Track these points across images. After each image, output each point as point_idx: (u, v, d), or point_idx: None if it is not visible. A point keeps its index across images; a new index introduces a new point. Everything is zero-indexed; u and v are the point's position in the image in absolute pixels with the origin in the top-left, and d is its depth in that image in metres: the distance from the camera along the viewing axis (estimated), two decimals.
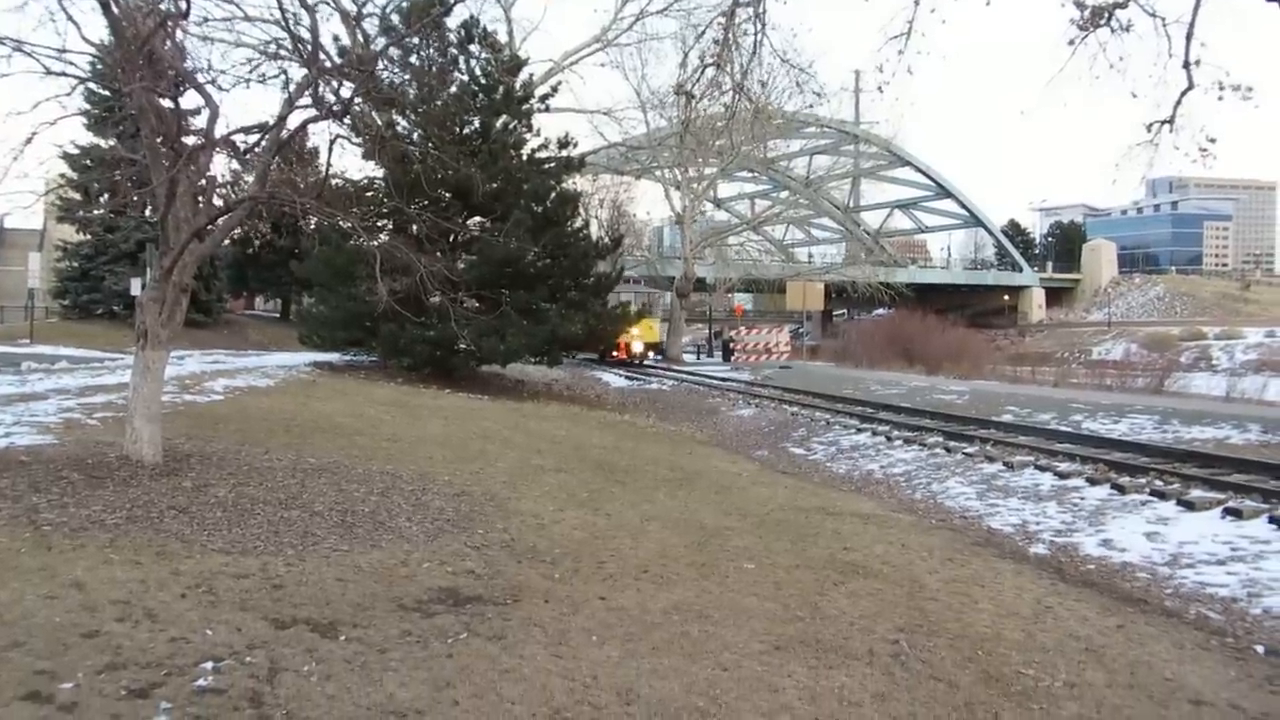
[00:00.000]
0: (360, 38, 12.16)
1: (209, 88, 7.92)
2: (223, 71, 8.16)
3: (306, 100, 8.10)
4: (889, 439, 15.32)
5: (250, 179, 8.78)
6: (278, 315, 44.23)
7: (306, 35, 8.13)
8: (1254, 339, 54.42)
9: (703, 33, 16.79)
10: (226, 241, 21.27)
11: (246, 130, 8.13)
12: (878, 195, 74.69)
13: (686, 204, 43.46)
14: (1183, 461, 11.47)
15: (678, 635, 5.11)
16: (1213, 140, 14.89)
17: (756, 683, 4.55)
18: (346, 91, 8.57)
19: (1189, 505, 9.45)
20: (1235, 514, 8.98)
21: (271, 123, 7.96)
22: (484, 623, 4.99)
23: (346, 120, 10.05)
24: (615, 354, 35.33)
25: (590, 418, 17.42)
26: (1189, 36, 14.63)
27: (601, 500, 8.73)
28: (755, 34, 15.06)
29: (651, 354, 36.95)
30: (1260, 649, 6.03)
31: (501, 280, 19.59)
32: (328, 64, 8.56)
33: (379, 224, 18.67)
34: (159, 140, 7.81)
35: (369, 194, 18.71)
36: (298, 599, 5.02)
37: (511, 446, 11.42)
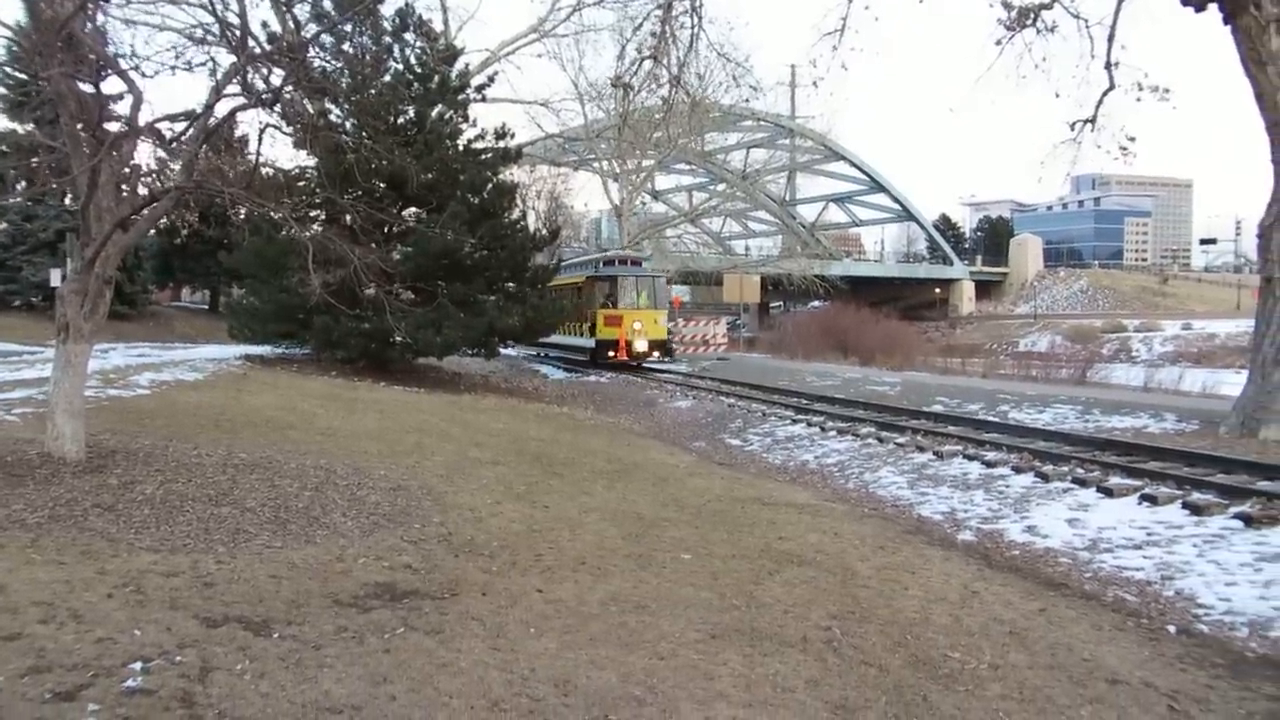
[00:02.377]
0: (291, 24, 11.91)
1: (133, 74, 7.70)
2: (147, 58, 7.93)
3: (235, 88, 7.92)
4: (823, 430, 15.57)
5: (176, 167, 8.56)
6: (206, 307, 43.08)
7: (235, 20, 7.95)
8: (1171, 331, 56.49)
9: (640, 25, 16.86)
10: (152, 231, 20.67)
11: (173, 118, 7.91)
12: (813, 189, 75.70)
13: (624, 196, 43.46)
14: (1103, 450, 11.89)
15: (615, 626, 5.16)
16: (1132, 139, 15.48)
17: (693, 671, 4.63)
18: (277, 79, 8.41)
19: (1108, 492, 9.81)
20: (1151, 500, 9.35)
21: (199, 110, 7.76)
22: (421, 617, 4.98)
23: (277, 109, 9.84)
24: (612, 354, 28.26)
25: (528, 410, 17.37)
26: (1110, 38, 15.16)
27: (539, 493, 8.74)
28: (692, 28, 15.19)
29: (657, 354, 28.92)
30: (1172, 629, 6.31)
31: (438, 272, 19.37)
32: (257, 51, 8.38)
33: (312, 215, 18.30)
34: (79, 127, 7.57)
35: (301, 184, 18.28)
36: (230, 597, 4.95)
37: (448, 440, 11.34)
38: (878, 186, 77.42)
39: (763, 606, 5.76)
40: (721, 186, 59.77)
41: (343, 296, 13.52)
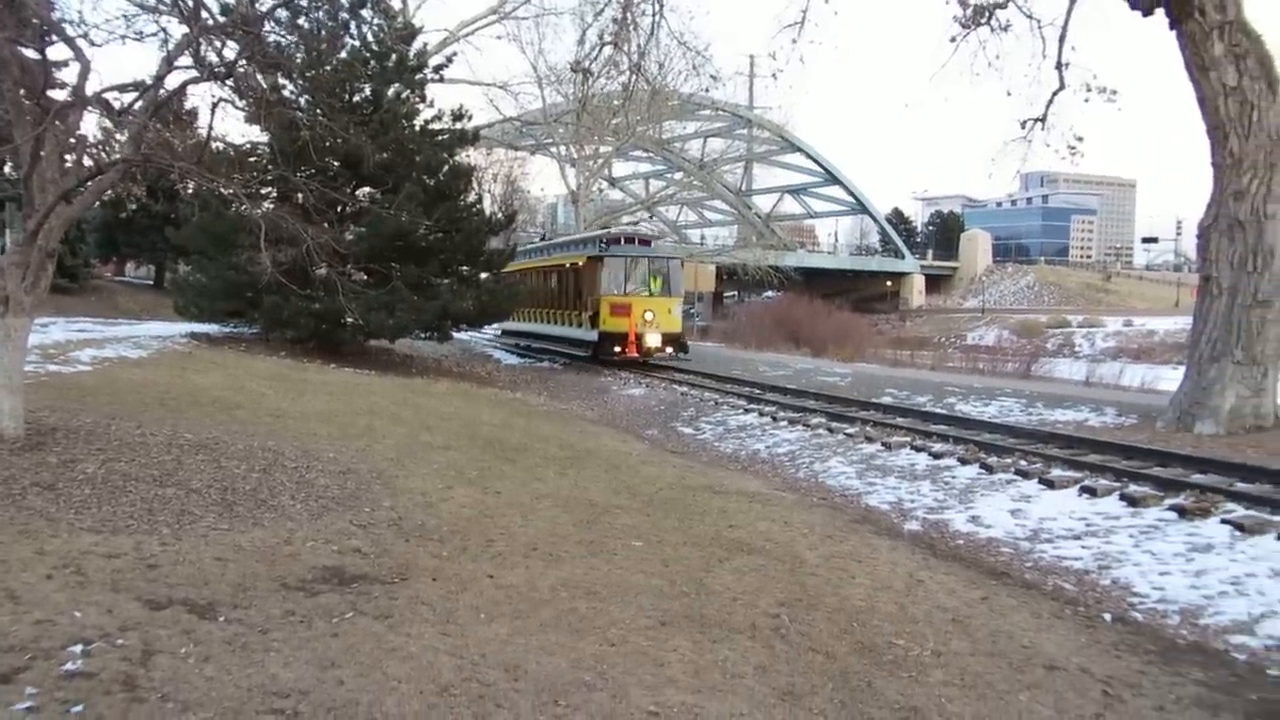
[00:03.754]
0: None
1: (80, 42, 7.47)
2: (95, 25, 7.70)
3: (187, 60, 7.74)
4: (775, 419, 15.71)
5: (124, 139, 8.33)
6: (151, 283, 42.03)
7: None
8: (1113, 327, 57.92)
9: (601, 11, 16.83)
10: (97, 204, 20.13)
11: (121, 88, 7.71)
12: (769, 180, 76.12)
13: (581, 182, 43.28)
14: (1045, 443, 12.17)
15: (566, 612, 5.18)
16: (1080, 139, 15.80)
17: (642, 657, 4.66)
18: (230, 52, 8.22)
19: (1050, 484, 10.05)
20: (1090, 492, 9.61)
21: (149, 82, 7.57)
22: (370, 601, 4.95)
23: (230, 82, 9.63)
24: (619, 350, 24.05)
25: (481, 395, 17.28)
26: (1062, 39, 15.44)
27: (491, 478, 8.71)
28: (653, 15, 15.21)
29: (670, 349, 24.58)
30: (1108, 617, 6.51)
31: (392, 254, 19.15)
32: (210, 22, 8.19)
33: (263, 192, 17.96)
34: (23, 94, 7.33)
35: (253, 160, 17.96)
36: (174, 579, 4.87)
37: (400, 423, 11.25)
38: (833, 179, 78.11)
39: (712, 594, 5.82)
40: (679, 175, 59.92)
41: (294, 276, 13.30)
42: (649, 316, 24.26)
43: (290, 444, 8.72)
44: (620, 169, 61.50)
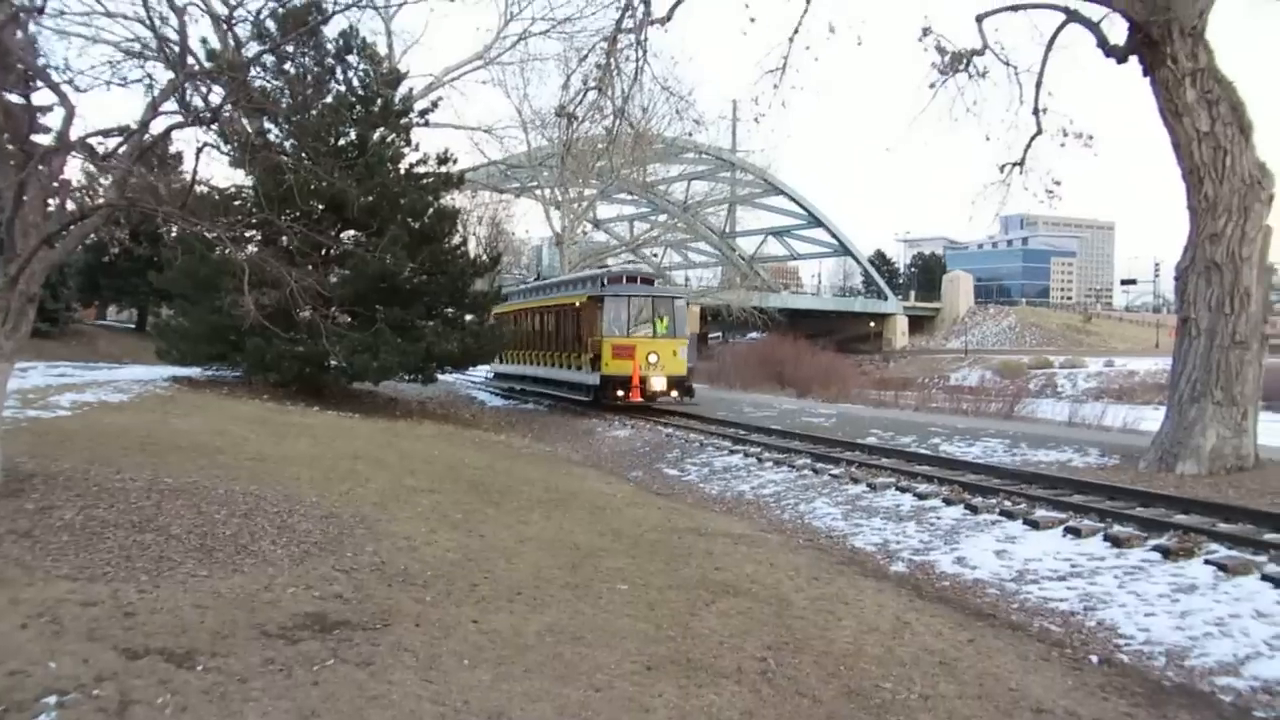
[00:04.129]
0: (231, 42, 11.75)
1: (65, 87, 7.52)
2: (80, 71, 7.77)
3: (172, 105, 7.79)
4: (760, 460, 15.69)
5: (107, 183, 8.35)
6: (133, 326, 41.79)
7: (173, 36, 7.84)
8: (1094, 368, 58.33)
9: (585, 56, 17.03)
10: (79, 248, 20.09)
11: (105, 133, 7.73)
12: (753, 222, 76.88)
13: (566, 224, 43.58)
14: (1029, 483, 12.20)
15: (551, 657, 5.12)
16: (1058, 183, 16.07)
17: (628, 703, 4.61)
18: (216, 97, 8.29)
19: (1034, 524, 10.06)
20: (1075, 532, 9.61)
21: (134, 127, 7.61)
22: (352, 648, 4.88)
23: (215, 127, 9.70)
24: (623, 394, 22.92)
25: (465, 437, 17.20)
26: (1038, 85, 15.75)
27: (475, 521, 8.64)
28: (637, 60, 15.40)
29: (675, 393, 23.48)
30: (1094, 659, 6.49)
31: (376, 296, 19.16)
32: (196, 68, 8.26)
33: (247, 235, 17.99)
34: (6, 139, 7.35)
35: (237, 203, 18.02)
36: (151, 628, 4.79)
37: (383, 466, 11.17)
38: (816, 221, 78.95)
39: (698, 637, 5.77)
40: (663, 217, 60.40)
41: (277, 318, 13.26)
42: (653, 359, 23.15)
43: (272, 488, 8.63)
44: (605, 211, 62.06)
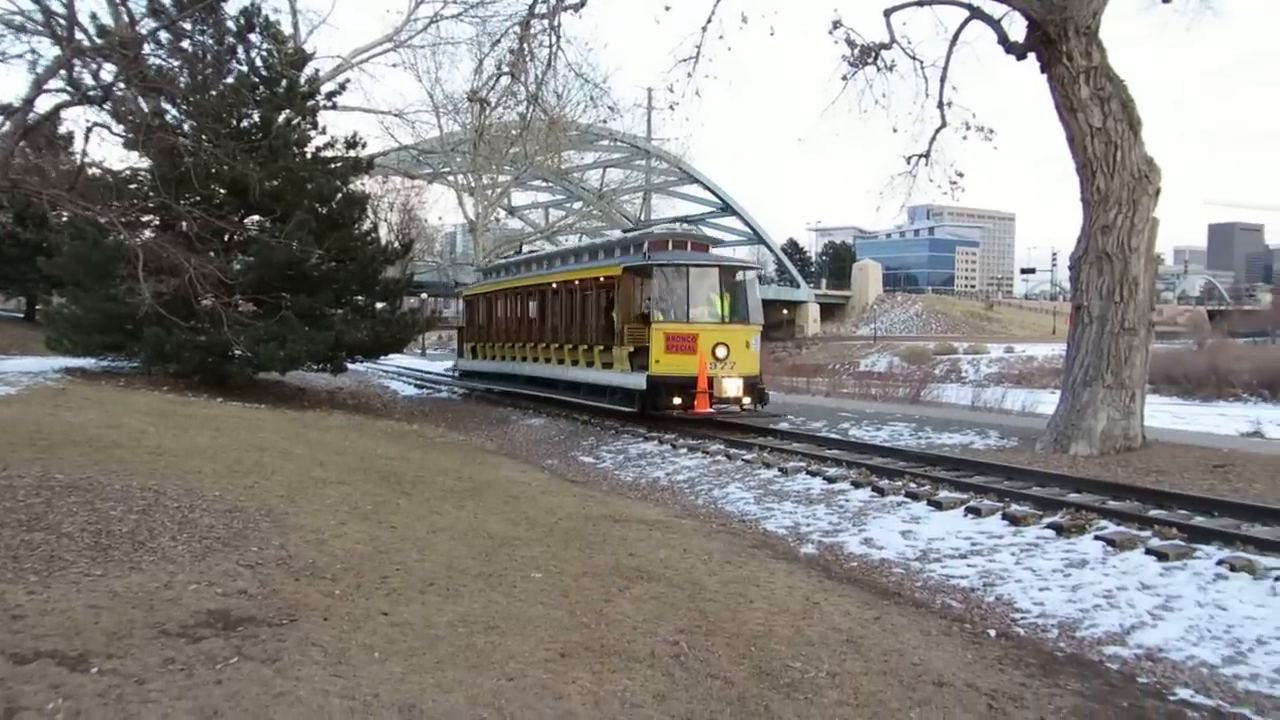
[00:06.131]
0: (125, 17, 11.25)
1: None
2: None
3: (60, 82, 7.43)
4: (674, 447, 15.83)
5: None
6: (21, 315, 39.74)
7: (60, 10, 7.48)
8: (996, 354, 60.55)
9: (498, 41, 16.82)
10: None
11: None
12: (668, 210, 77.08)
13: (479, 211, 43.09)
14: (934, 465, 12.62)
15: (463, 648, 5.08)
16: (961, 174, 16.56)
17: (542, 691, 4.61)
18: (107, 75, 7.94)
19: (938, 505, 10.41)
20: (975, 512, 9.99)
21: (16, 105, 7.23)
22: (257, 645, 4.75)
23: (107, 106, 9.28)
24: (680, 402, 17.04)
25: (376, 428, 16.90)
26: (943, 79, 16.19)
27: (386, 512, 8.51)
28: (550, 46, 15.28)
29: (748, 399, 17.54)
30: (993, 633, 6.76)
31: (282, 283, 18.61)
32: (85, 44, 7.89)
33: (144, 219, 17.28)
34: None
35: (132, 187, 17.26)
36: (41, 630, 4.59)
37: (290, 458, 10.89)
38: (729, 210, 79.80)
39: (612, 623, 5.80)
40: (578, 204, 60.20)
41: (177, 307, 12.81)
42: (721, 353, 17.15)
43: (173, 483, 8.33)
44: (519, 198, 61.58)
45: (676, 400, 17.08)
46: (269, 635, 4.91)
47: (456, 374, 31.97)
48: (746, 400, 17.45)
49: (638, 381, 17.82)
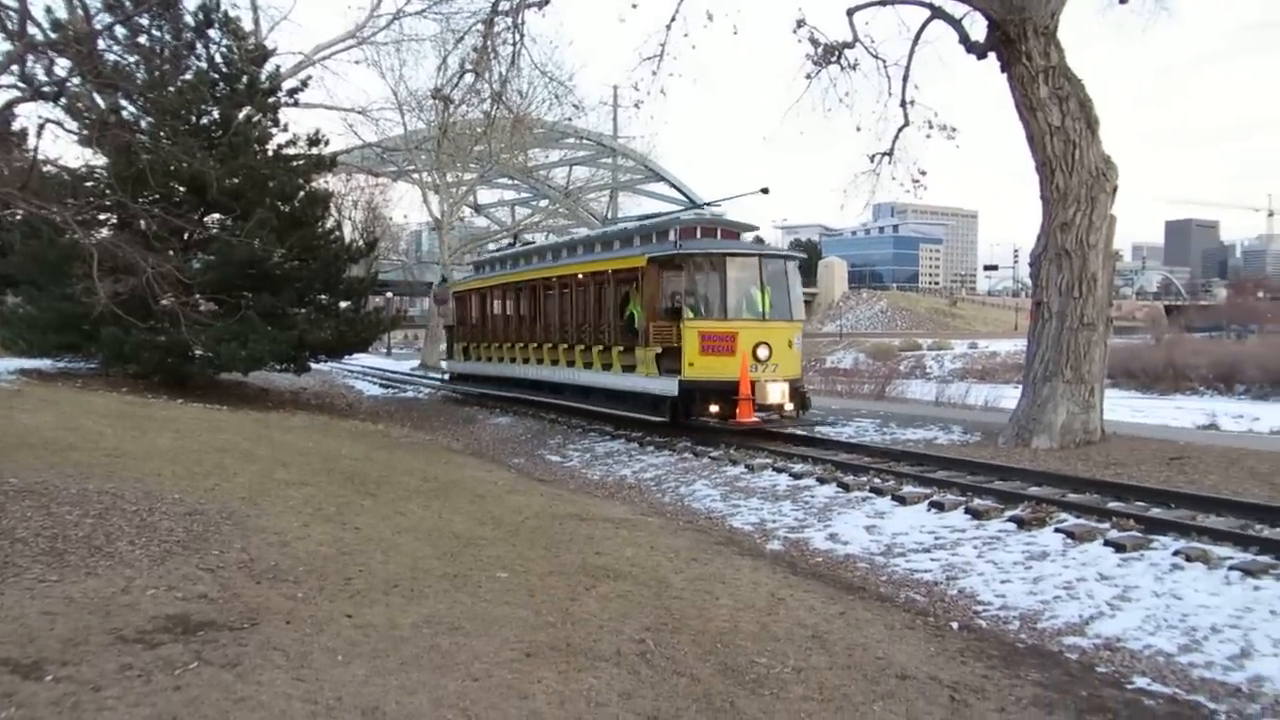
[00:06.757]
0: (80, 11, 11.04)
1: None
2: None
3: (11, 77, 7.28)
4: (641, 445, 15.84)
5: None
6: None
7: (12, 3, 7.32)
8: (960, 350, 61.20)
9: (462, 38, 16.76)
10: None
11: None
12: (634, 208, 76.84)
13: (445, 209, 42.84)
14: (898, 461, 12.75)
15: (428, 649, 5.05)
16: (924, 173, 16.73)
17: (507, 691, 4.60)
18: (61, 70, 7.79)
19: (902, 500, 10.52)
20: (939, 507, 10.10)
21: None
22: (217, 650, 4.69)
23: (61, 102, 9.11)
24: (719, 410, 15.20)
25: (341, 428, 16.74)
26: (905, 78, 16.33)
27: (351, 514, 8.43)
28: (514, 44, 15.24)
29: (790, 406, 15.62)
30: (955, 625, 6.84)
31: (243, 282, 18.37)
32: (39, 38, 7.73)
33: (101, 218, 16.98)
34: None
35: (89, 184, 16.95)
36: None
37: (253, 460, 10.76)
38: (696, 208, 79.83)
39: (578, 622, 5.79)
40: (544, 203, 59.97)
41: (135, 307, 12.58)
42: (763, 354, 15.37)
43: (131, 486, 8.20)
44: (485, 196, 61.18)
45: (714, 408, 15.23)
46: (229, 639, 4.85)
47: (446, 377, 30.26)
48: (789, 406, 15.59)
49: (667, 387, 15.83)
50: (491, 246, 44.40)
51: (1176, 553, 7.86)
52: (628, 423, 17.48)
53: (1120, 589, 7.37)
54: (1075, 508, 9.48)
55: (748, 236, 18.06)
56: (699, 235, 16.95)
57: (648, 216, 21.91)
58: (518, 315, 23.21)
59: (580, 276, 19.61)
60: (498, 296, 24.67)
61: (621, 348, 17.53)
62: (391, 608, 5.72)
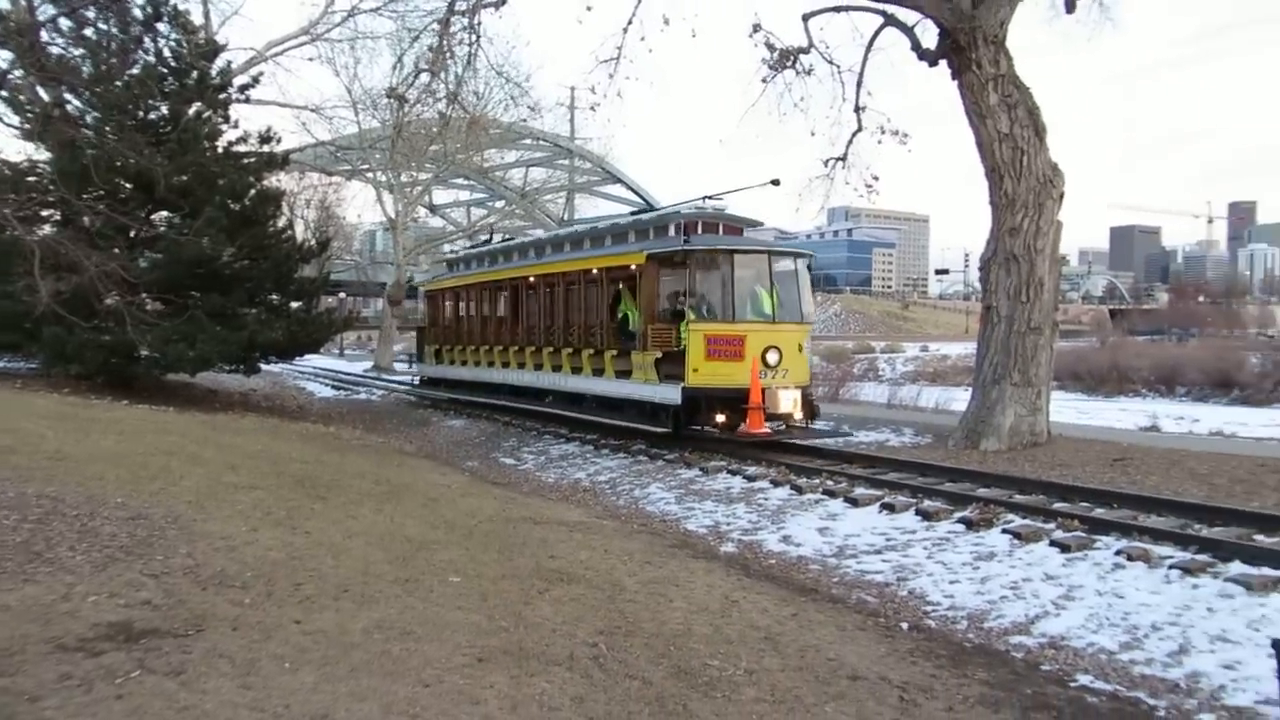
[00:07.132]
0: (23, 2, 10.77)
1: None
2: None
3: None
4: (596, 447, 15.83)
5: None
6: None
7: None
8: (912, 353, 62.09)
9: (418, 37, 16.63)
10: None
11: None
12: (591, 210, 76.74)
13: (399, 209, 42.43)
14: (850, 463, 12.89)
15: (378, 655, 5.00)
16: (876, 177, 16.96)
17: (459, 696, 4.57)
18: (3, 62, 7.58)
19: (854, 502, 10.64)
20: (890, 508, 10.23)
21: None
22: (161, 658, 4.60)
23: (3, 94, 8.86)
24: (725, 420, 14.24)
25: (291, 430, 16.49)
26: (859, 84, 16.54)
27: (301, 518, 8.31)
28: (470, 44, 15.18)
29: (800, 415, 14.57)
30: (905, 626, 6.93)
31: (192, 281, 18.02)
32: None
33: (42, 214, 16.54)
34: None
35: (30, 179, 16.51)
36: None
37: (200, 463, 10.55)
38: (652, 210, 79.93)
39: (531, 626, 5.77)
40: (501, 203, 59.66)
41: (79, 305, 12.29)
42: (773, 358, 14.27)
43: (73, 489, 7.99)
44: (441, 196, 60.66)
45: (721, 418, 14.23)
46: (174, 647, 4.76)
47: (416, 381, 28.69)
48: (799, 416, 14.55)
49: (670, 395, 14.62)
50: (448, 248, 44.06)
51: (1119, 552, 8.05)
52: (582, 425, 17.45)
53: (1065, 588, 7.53)
54: (1022, 509, 9.66)
55: (751, 233, 17.43)
56: (700, 230, 15.58)
57: (639, 212, 20.79)
58: (497, 316, 22.05)
59: (568, 274, 18.18)
60: (475, 296, 23.28)
61: (615, 351, 16.41)
62: (342, 613, 5.65)
